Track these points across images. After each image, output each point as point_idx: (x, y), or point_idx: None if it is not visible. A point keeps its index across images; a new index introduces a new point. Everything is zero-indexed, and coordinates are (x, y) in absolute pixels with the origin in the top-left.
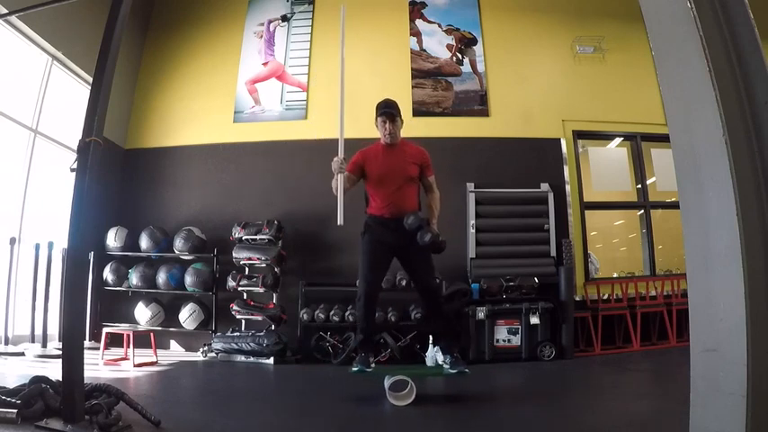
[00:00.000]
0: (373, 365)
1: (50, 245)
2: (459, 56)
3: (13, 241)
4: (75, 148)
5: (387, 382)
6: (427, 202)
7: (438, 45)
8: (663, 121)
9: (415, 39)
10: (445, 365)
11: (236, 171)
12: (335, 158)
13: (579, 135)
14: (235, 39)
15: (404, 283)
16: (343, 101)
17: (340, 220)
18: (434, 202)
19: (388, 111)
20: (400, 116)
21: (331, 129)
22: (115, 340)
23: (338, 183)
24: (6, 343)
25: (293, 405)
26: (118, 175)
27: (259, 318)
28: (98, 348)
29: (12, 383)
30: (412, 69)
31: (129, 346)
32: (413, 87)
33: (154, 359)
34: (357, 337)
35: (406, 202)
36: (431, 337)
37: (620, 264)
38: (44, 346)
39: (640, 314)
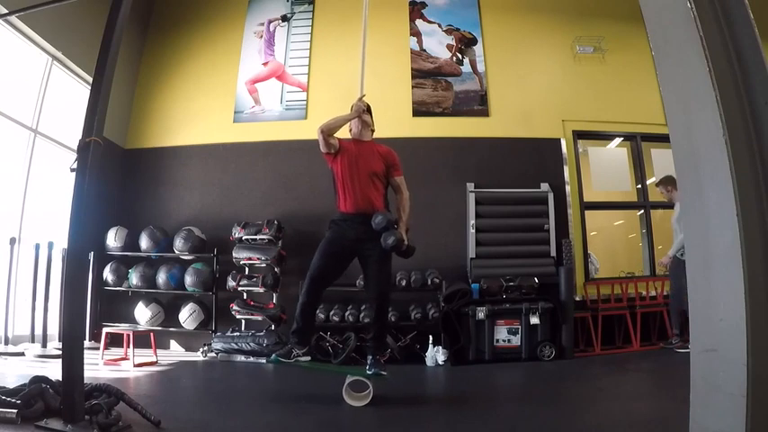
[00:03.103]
0: (301, 359)
1: (50, 245)
2: (459, 56)
3: (13, 241)
4: (75, 148)
5: (346, 381)
6: (396, 205)
7: (438, 45)
8: (663, 121)
9: (415, 39)
10: (367, 366)
11: (236, 171)
12: (358, 102)
13: (579, 135)
14: (235, 39)
15: (403, 283)
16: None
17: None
18: (404, 204)
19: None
20: (372, 119)
21: None
22: (115, 340)
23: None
24: (6, 343)
25: (293, 405)
26: (118, 175)
27: (259, 318)
28: (98, 348)
29: (12, 383)
30: (412, 69)
31: (129, 346)
32: (413, 87)
33: (154, 359)
34: (292, 326)
35: (371, 199)
36: (430, 336)
37: (620, 264)
38: (44, 346)
39: (640, 314)
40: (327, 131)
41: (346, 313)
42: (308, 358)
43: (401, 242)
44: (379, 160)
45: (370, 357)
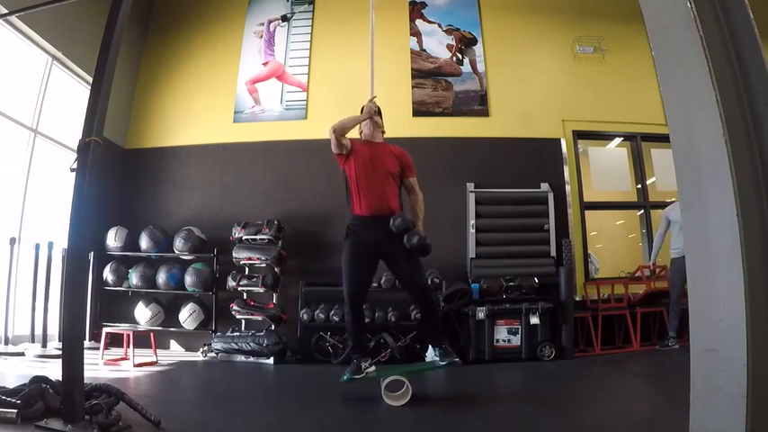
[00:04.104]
0: (369, 370)
1: (50, 245)
2: (459, 56)
3: (13, 241)
4: (75, 148)
5: (383, 383)
6: (410, 205)
7: (438, 45)
8: (663, 121)
9: (415, 39)
10: (435, 358)
11: (236, 171)
12: (369, 103)
13: (579, 135)
14: (235, 39)
15: None
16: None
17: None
18: (418, 204)
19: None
20: (382, 120)
21: None
22: (115, 340)
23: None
24: (6, 343)
25: (293, 405)
26: (118, 174)
27: (259, 318)
28: (98, 348)
29: (12, 383)
30: (412, 69)
31: (129, 346)
32: (413, 87)
33: (154, 359)
34: (349, 344)
35: (388, 200)
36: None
37: (620, 264)
38: (44, 346)
39: (640, 314)
40: (340, 131)
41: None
42: (374, 368)
43: (425, 239)
44: (393, 160)
45: (437, 349)
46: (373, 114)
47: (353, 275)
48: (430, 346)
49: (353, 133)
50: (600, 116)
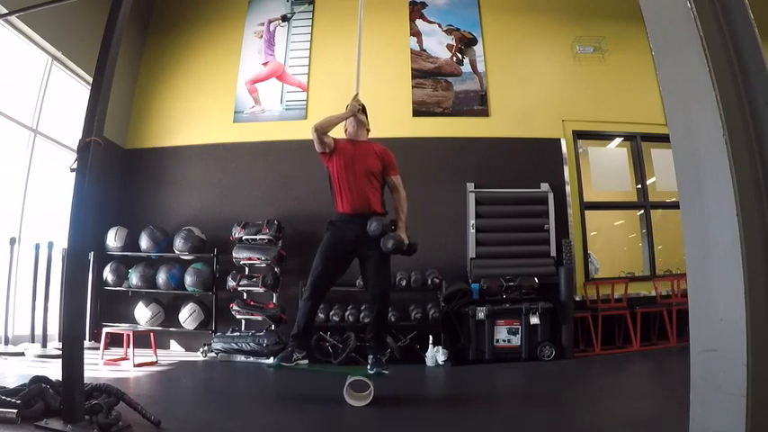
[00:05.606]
0: (300, 362)
1: (50, 245)
2: (459, 56)
3: (13, 241)
4: (75, 148)
5: (347, 381)
6: (393, 205)
7: (438, 45)
8: (663, 121)
9: (415, 39)
10: (368, 365)
11: (236, 171)
12: (353, 102)
13: (579, 135)
14: (235, 39)
15: (403, 283)
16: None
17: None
18: (401, 203)
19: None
20: (367, 118)
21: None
22: (115, 340)
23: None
24: (6, 343)
25: (293, 405)
26: (118, 174)
27: (259, 318)
28: (98, 348)
29: (12, 383)
30: (412, 69)
31: (129, 346)
32: (413, 87)
33: (154, 359)
34: (292, 329)
35: (369, 199)
36: (430, 336)
37: (620, 264)
38: (44, 346)
39: (640, 314)
40: (321, 130)
41: (346, 313)
42: (307, 361)
43: (401, 243)
44: (375, 159)
45: (371, 357)
46: (356, 113)
47: (323, 268)
48: (437, 350)
49: (339, 131)
50: (600, 116)
